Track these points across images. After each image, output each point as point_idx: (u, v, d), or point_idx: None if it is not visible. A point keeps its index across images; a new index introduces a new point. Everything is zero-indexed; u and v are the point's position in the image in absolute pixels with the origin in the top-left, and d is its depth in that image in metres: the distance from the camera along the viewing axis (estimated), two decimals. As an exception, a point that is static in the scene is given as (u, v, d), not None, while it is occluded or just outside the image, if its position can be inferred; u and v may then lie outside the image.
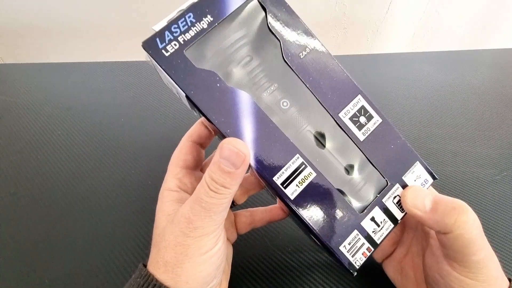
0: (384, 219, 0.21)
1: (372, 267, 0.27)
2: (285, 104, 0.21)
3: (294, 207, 0.20)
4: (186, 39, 0.18)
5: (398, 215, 0.22)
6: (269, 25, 0.20)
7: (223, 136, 0.19)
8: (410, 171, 0.22)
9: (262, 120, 0.19)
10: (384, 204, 0.21)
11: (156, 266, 0.19)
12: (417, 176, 0.22)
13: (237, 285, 0.27)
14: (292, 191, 0.20)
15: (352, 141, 0.21)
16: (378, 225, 0.21)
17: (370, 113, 0.21)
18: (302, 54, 0.20)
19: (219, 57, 0.20)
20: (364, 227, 0.21)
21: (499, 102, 0.51)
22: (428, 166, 0.23)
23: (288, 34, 0.20)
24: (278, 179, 0.19)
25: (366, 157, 0.21)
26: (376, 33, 1.02)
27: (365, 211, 0.21)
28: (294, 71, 0.20)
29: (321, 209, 0.20)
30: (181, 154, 0.23)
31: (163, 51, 0.18)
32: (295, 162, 0.20)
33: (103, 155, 0.39)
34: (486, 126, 0.46)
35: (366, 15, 0.96)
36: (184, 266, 0.19)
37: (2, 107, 0.46)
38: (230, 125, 0.19)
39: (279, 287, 0.28)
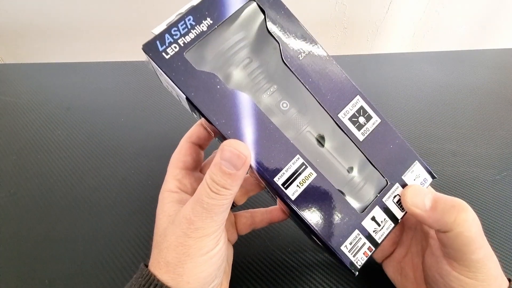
0: (385, 219, 0.21)
1: (372, 267, 0.27)
2: (284, 105, 0.22)
3: (295, 208, 0.20)
4: (186, 42, 0.18)
5: (399, 214, 0.22)
6: (268, 27, 0.20)
7: (223, 138, 0.19)
8: (409, 170, 0.22)
9: (262, 121, 0.19)
10: (385, 204, 0.22)
11: (158, 267, 0.19)
12: (416, 175, 0.22)
13: (238, 285, 0.27)
14: (293, 192, 0.20)
15: (352, 141, 0.21)
16: (379, 225, 0.21)
17: (369, 113, 0.22)
18: (301, 56, 0.20)
19: (219, 59, 0.20)
20: (365, 227, 0.21)
21: (499, 102, 0.51)
22: (427, 166, 0.23)
23: (287, 36, 0.20)
24: (279, 180, 0.19)
25: (366, 157, 0.21)
26: (376, 33, 1.02)
27: (366, 210, 0.21)
28: (293, 73, 0.20)
29: (322, 209, 0.20)
30: (181, 155, 0.24)
31: (163, 53, 0.18)
32: (296, 162, 0.20)
33: (103, 155, 0.39)
34: (486, 126, 0.46)
35: (366, 15, 0.96)
36: (185, 267, 0.19)
37: (2, 107, 0.46)
38: (231, 126, 0.19)
39: (279, 287, 0.28)
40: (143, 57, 0.19)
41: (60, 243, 0.30)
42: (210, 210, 0.19)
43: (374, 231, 0.21)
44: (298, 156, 0.20)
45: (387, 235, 0.22)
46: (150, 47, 0.18)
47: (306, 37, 0.21)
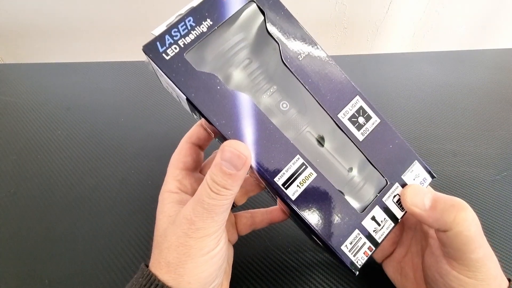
0: (385, 218, 0.22)
1: (372, 267, 0.27)
2: (284, 105, 0.22)
3: (295, 208, 0.20)
4: (186, 43, 0.18)
5: (398, 214, 0.22)
6: (267, 28, 0.20)
7: (224, 138, 0.19)
8: (409, 170, 0.22)
9: (262, 121, 0.19)
10: (384, 203, 0.22)
11: (158, 267, 0.19)
12: (416, 175, 0.22)
13: (238, 285, 0.28)
14: (293, 192, 0.20)
15: (352, 141, 0.21)
16: (379, 224, 0.21)
17: (368, 114, 0.22)
18: (301, 57, 0.21)
19: (219, 60, 0.20)
20: (365, 227, 0.21)
21: (499, 102, 0.51)
22: (426, 165, 0.23)
23: (287, 37, 0.20)
24: (279, 180, 0.19)
25: (366, 157, 0.21)
26: (376, 33, 1.02)
27: (366, 210, 0.21)
28: (293, 73, 0.20)
29: (322, 209, 0.20)
30: (181, 156, 0.24)
31: (163, 54, 0.18)
32: (296, 163, 0.20)
33: (103, 155, 0.39)
34: (486, 126, 0.46)
35: (366, 15, 0.96)
36: (186, 267, 0.19)
37: (2, 107, 0.46)
38: (231, 127, 0.19)
39: (279, 287, 0.28)
40: (143, 57, 0.19)
41: (60, 243, 0.30)
42: (211, 210, 0.19)
43: (374, 231, 0.21)
44: (298, 156, 0.20)
45: (387, 234, 0.22)
46: (150, 48, 0.18)
47: (306, 37, 0.21)
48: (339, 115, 0.21)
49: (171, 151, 0.24)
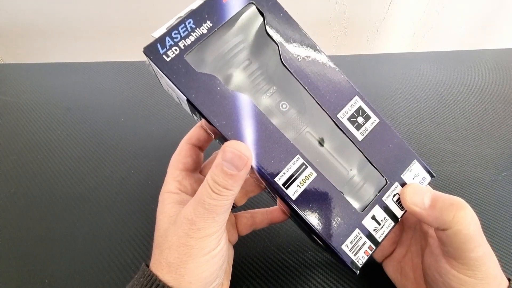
0: (385, 217, 0.22)
1: (372, 267, 0.28)
2: (284, 106, 0.22)
3: (296, 208, 0.20)
4: (186, 44, 0.19)
5: (398, 213, 0.22)
6: (267, 29, 0.20)
7: (224, 139, 0.19)
8: (408, 169, 0.22)
9: (262, 122, 0.20)
10: (384, 203, 0.22)
11: (159, 267, 0.20)
12: (415, 174, 0.23)
13: (238, 285, 0.28)
14: (293, 192, 0.20)
15: (351, 141, 0.21)
16: (379, 224, 0.21)
17: (367, 114, 0.22)
18: (300, 57, 0.21)
19: (219, 61, 0.21)
20: (365, 226, 0.21)
21: (499, 102, 0.51)
22: (425, 165, 0.23)
23: (286, 38, 0.21)
24: (280, 180, 0.20)
25: (365, 156, 0.22)
26: (376, 33, 1.02)
27: (366, 210, 0.21)
28: (292, 74, 0.21)
29: (323, 208, 0.20)
30: (181, 156, 0.24)
31: (164, 56, 0.18)
32: (296, 163, 0.20)
33: (103, 155, 0.39)
34: (486, 126, 0.46)
35: (366, 15, 0.96)
36: (187, 267, 0.19)
37: (2, 107, 0.46)
38: (231, 127, 0.19)
39: (279, 287, 0.28)
40: (143, 57, 0.19)
41: (60, 243, 0.30)
42: (212, 210, 0.19)
43: (374, 230, 0.21)
44: (298, 156, 0.20)
45: (387, 234, 0.22)
46: (151, 50, 0.18)
47: (305, 39, 0.21)
48: (338, 115, 0.21)
49: (171, 151, 0.24)
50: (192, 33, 0.19)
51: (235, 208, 0.27)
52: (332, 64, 0.21)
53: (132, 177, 0.37)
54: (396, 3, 0.94)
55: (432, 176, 0.23)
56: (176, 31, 0.18)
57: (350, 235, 0.21)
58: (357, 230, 0.21)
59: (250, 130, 0.19)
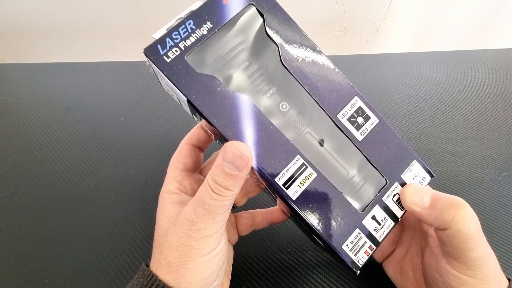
0: (385, 217, 0.22)
1: (372, 267, 0.28)
2: (284, 106, 0.22)
3: (296, 208, 0.20)
4: (186, 45, 0.19)
5: (398, 213, 0.22)
6: (266, 30, 0.20)
7: (224, 139, 0.19)
8: (408, 169, 0.22)
9: (262, 122, 0.20)
10: (384, 203, 0.22)
11: (159, 267, 0.20)
12: (415, 174, 0.23)
13: (238, 285, 0.28)
14: (293, 192, 0.20)
15: (351, 141, 0.21)
16: (379, 223, 0.21)
17: (367, 114, 0.22)
18: (300, 58, 0.21)
19: (219, 62, 0.21)
20: (366, 226, 0.21)
21: (499, 102, 0.51)
22: (425, 164, 0.23)
23: (285, 39, 0.21)
24: (280, 180, 0.20)
25: (365, 156, 0.22)
26: (376, 33, 1.02)
27: (366, 209, 0.21)
28: (292, 75, 0.21)
29: (323, 208, 0.20)
30: (181, 157, 0.24)
31: (164, 57, 0.18)
32: (296, 163, 0.20)
33: (103, 155, 0.39)
34: (486, 126, 0.46)
35: (366, 15, 0.96)
36: (187, 267, 0.19)
37: (2, 107, 0.46)
38: (232, 128, 0.19)
39: (279, 287, 0.28)
40: (143, 57, 0.19)
41: (60, 243, 0.30)
42: (212, 211, 0.19)
43: (374, 230, 0.21)
44: (298, 156, 0.20)
45: (388, 233, 0.22)
46: (151, 51, 0.18)
47: (304, 39, 0.21)
48: (338, 116, 0.21)
49: (171, 151, 0.24)
50: (192, 34, 0.19)
51: (235, 209, 0.27)
52: (331, 65, 0.21)
53: (132, 177, 0.37)
54: (396, 3, 0.94)
55: (431, 176, 0.23)
56: (177, 32, 0.19)
57: (350, 235, 0.21)
58: (357, 230, 0.21)
59: (251, 131, 0.19)
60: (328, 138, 0.23)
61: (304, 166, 0.20)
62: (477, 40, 1.09)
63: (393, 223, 0.22)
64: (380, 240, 0.21)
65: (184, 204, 0.20)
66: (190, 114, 0.22)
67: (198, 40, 0.19)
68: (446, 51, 0.66)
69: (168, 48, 0.18)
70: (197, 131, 0.24)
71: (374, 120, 0.22)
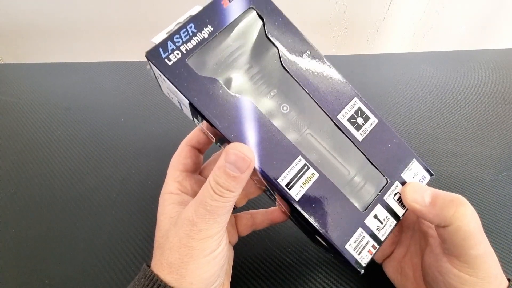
0: (387, 216, 0.22)
1: (372, 267, 0.27)
2: (285, 108, 0.22)
3: (299, 208, 0.20)
4: (188, 49, 0.19)
5: (400, 211, 0.22)
6: (266, 33, 0.21)
7: (227, 141, 0.19)
8: (408, 168, 0.23)
9: (264, 124, 0.20)
10: (386, 202, 0.22)
11: (161, 268, 0.20)
12: (414, 173, 0.23)
13: (238, 285, 0.28)
14: (296, 193, 0.20)
15: (351, 141, 0.22)
16: (381, 222, 0.22)
17: (366, 114, 0.22)
18: (300, 60, 0.21)
19: (220, 65, 0.21)
20: (368, 225, 0.21)
21: (499, 102, 0.51)
22: (424, 163, 0.23)
23: (285, 42, 0.21)
24: (283, 180, 0.20)
25: (366, 156, 0.22)
26: (376, 33, 1.02)
27: (368, 209, 0.21)
28: (292, 77, 0.21)
29: (325, 209, 0.20)
30: (181, 158, 0.24)
31: (166, 60, 0.19)
32: (298, 163, 0.20)
33: (103, 155, 0.39)
34: (486, 126, 0.46)
35: (366, 15, 0.96)
36: (188, 267, 0.19)
37: (2, 107, 0.46)
38: (234, 130, 0.19)
39: (279, 287, 0.28)
40: (143, 57, 0.19)
41: (60, 243, 0.30)
42: (214, 212, 0.19)
43: (377, 229, 0.21)
44: (300, 157, 0.20)
45: (390, 232, 0.22)
46: (153, 54, 0.18)
47: (304, 42, 0.21)
48: (338, 116, 0.22)
49: (171, 151, 0.24)
50: (193, 37, 0.19)
51: (235, 209, 0.27)
52: (331, 66, 0.22)
53: (132, 177, 0.37)
54: (396, 3, 0.94)
55: (431, 174, 0.23)
56: (178, 36, 0.19)
57: (353, 234, 0.21)
58: (360, 230, 0.21)
59: (253, 132, 0.20)
60: (328, 138, 0.23)
61: (306, 167, 0.20)
62: (477, 40, 1.09)
63: (395, 222, 0.22)
64: (382, 239, 0.22)
65: (185, 205, 0.20)
66: (191, 117, 0.22)
67: (199, 44, 0.19)
68: (446, 51, 0.66)
69: (169, 51, 0.19)
70: (197, 132, 0.24)
71: (373, 120, 0.22)
